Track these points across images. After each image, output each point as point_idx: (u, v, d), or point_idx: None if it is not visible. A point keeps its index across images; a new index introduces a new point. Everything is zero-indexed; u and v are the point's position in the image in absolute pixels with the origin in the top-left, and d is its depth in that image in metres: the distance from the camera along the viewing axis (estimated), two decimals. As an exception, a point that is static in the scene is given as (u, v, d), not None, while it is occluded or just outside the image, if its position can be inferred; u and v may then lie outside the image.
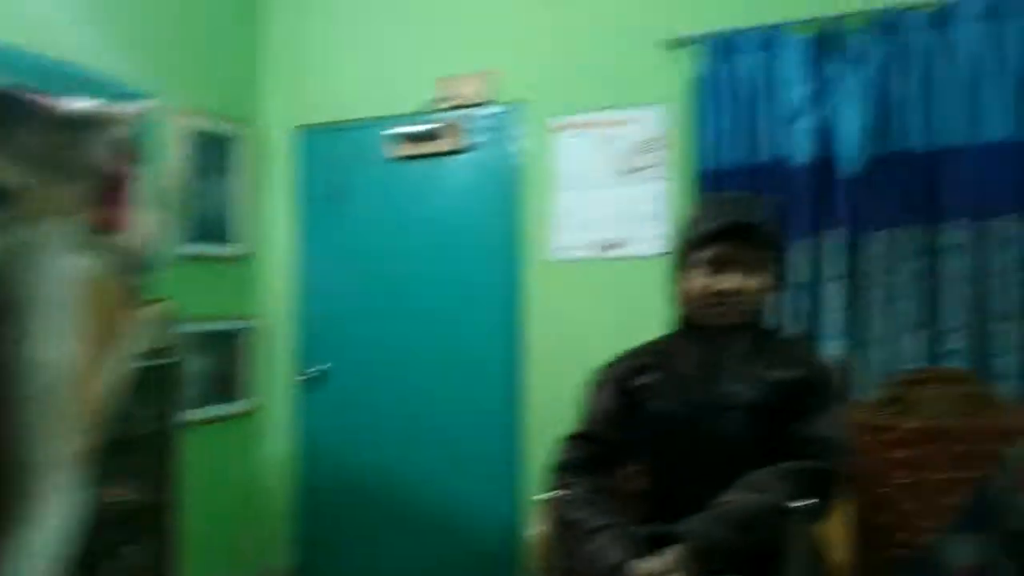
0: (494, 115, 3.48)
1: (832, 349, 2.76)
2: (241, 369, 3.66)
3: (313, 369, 3.69)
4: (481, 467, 3.43)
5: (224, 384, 3.58)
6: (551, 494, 1.73)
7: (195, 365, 3.43)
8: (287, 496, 3.74)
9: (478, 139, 3.50)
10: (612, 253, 3.25)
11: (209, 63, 3.57)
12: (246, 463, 3.73)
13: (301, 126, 3.78)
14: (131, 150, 2.75)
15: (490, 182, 3.48)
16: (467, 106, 3.48)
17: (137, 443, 2.82)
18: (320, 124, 3.74)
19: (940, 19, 2.76)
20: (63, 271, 0.39)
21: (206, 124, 3.48)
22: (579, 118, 3.31)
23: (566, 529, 1.67)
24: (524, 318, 3.38)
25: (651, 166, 3.21)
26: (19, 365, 0.37)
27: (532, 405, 3.34)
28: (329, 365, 3.69)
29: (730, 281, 1.68)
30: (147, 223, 2.96)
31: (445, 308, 3.51)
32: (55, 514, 0.39)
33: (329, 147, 3.71)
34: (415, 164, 3.57)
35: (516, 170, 3.43)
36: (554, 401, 2.99)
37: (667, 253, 1.80)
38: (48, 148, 0.38)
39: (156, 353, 2.80)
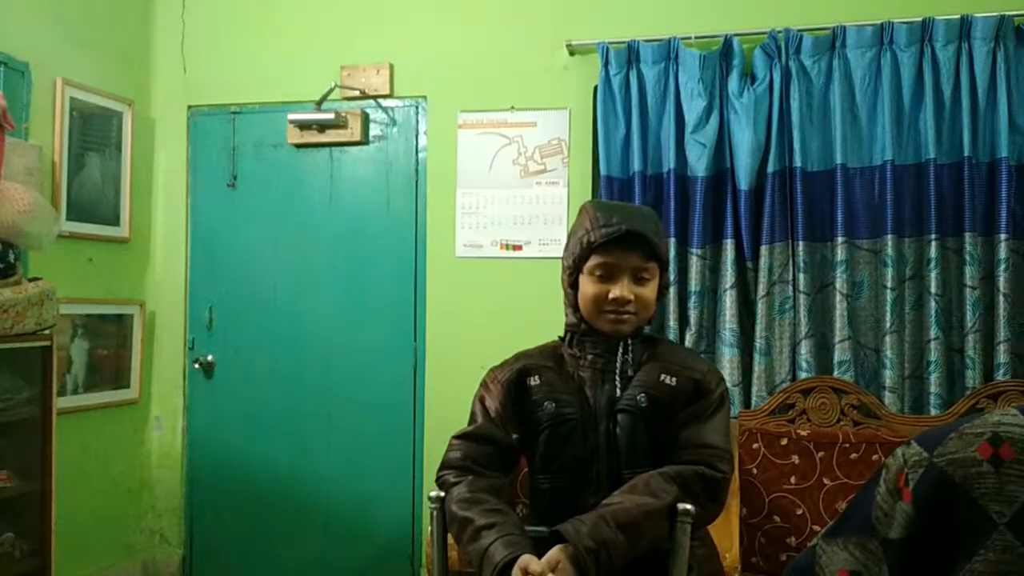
0: (398, 108, 3.45)
1: (726, 357, 2.86)
2: (128, 356, 3.49)
3: (203, 358, 3.56)
4: (379, 464, 3.41)
5: (111, 370, 3.42)
6: (438, 493, 1.72)
7: (79, 349, 3.26)
8: (176, 488, 3.61)
9: (381, 131, 3.46)
10: (512, 253, 3.27)
11: (98, 34, 3.38)
12: (134, 452, 3.58)
13: (195, 106, 3.63)
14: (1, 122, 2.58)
15: (392, 175, 3.44)
16: (370, 97, 3.43)
17: (13, 428, 2.67)
18: (215, 106, 3.60)
19: (831, 43, 2.90)
20: None
21: (92, 98, 3.30)
22: (483, 117, 3.31)
23: (454, 527, 1.66)
24: (424, 315, 3.36)
25: (552, 169, 3.25)
26: None
27: (431, 402, 3.34)
28: (220, 355, 3.57)
29: (621, 289, 1.71)
30: (20, 197, 2.78)
31: (344, 301, 3.47)
32: None
33: (224, 130, 3.59)
34: (315, 153, 3.50)
35: (419, 165, 3.41)
36: (453, 399, 2.99)
37: (561, 257, 1.82)
38: None
39: (33, 334, 2.64)
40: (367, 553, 3.42)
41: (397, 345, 3.40)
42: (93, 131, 3.33)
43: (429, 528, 1.72)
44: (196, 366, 3.59)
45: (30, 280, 2.71)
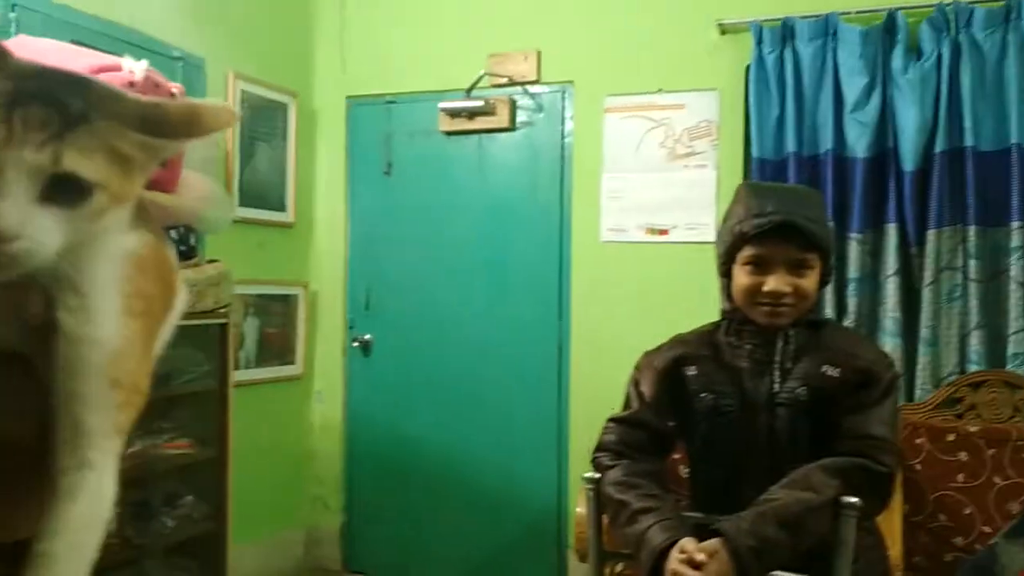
0: (544, 94, 3.48)
1: (888, 347, 2.75)
2: (294, 334, 3.72)
3: (361, 337, 3.75)
4: (527, 443, 3.49)
5: (278, 347, 3.66)
6: (593, 474, 1.74)
7: (251, 327, 3.51)
8: (336, 460, 3.83)
9: (528, 117, 3.51)
10: (658, 238, 3.25)
11: (264, 31, 3.59)
12: (298, 425, 3.82)
13: (352, 97, 3.80)
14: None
15: (539, 161, 3.49)
16: (518, 83, 3.48)
17: (193, 399, 2.90)
18: (371, 96, 3.75)
19: (1005, 16, 2.71)
20: (117, 251, 0.42)
21: (260, 91, 3.52)
22: (630, 100, 3.30)
23: (609, 509, 1.68)
24: (569, 297, 3.40)
25: (701, 152, 3.19)
26: (76, 342, 0.41)
27: (577, 384, 3.38)
28: (377, 333, 3.75)
29: (776, 282, 1.64)
30: (200, 185, 3.01)
31: (491, 283, 3.56)
32: (107, 483, 0.42)
33: (380, 119, 3.73)
34: (465, 139, 3.59)
35: (565, 150, 3.44)
36: (599, 381, 3.03)
37: (715, 243, 1.78)
38: (123, 142, 0.40)
39: (211, 313, 2.86)
40: (514, 531, 3.51)
41: (542, 327, 3.46)
42: (261, 122, 3.55)
43: (578, 509, 1.76)
44: (355, 344, 3.78)
45: (208, 262, 2.94)
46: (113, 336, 0.46)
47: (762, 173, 2.95)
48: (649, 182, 3.27)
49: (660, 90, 3.24)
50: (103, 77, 2.10)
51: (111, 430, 0.47)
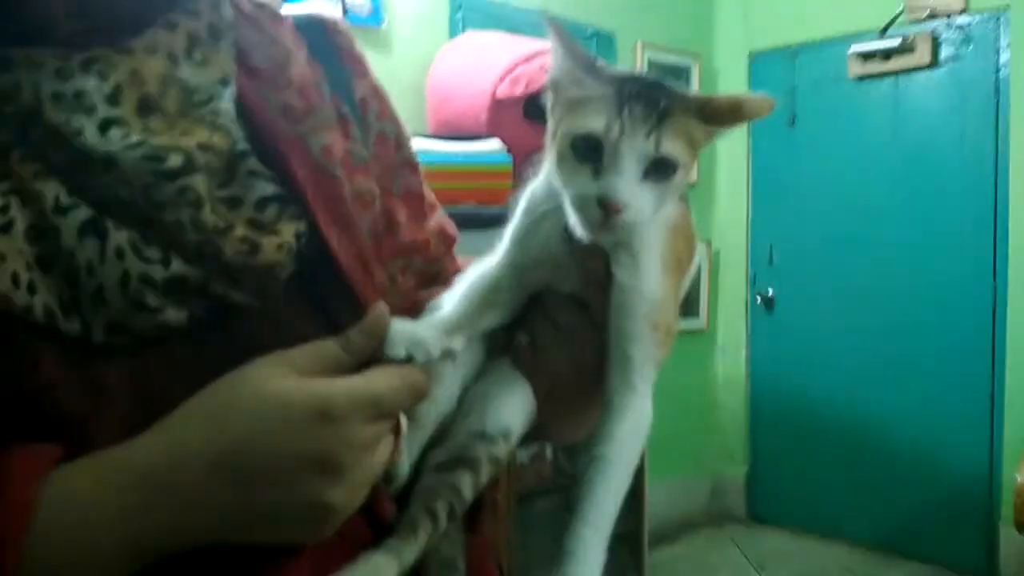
0: (973, 24, 3.13)
1: None
2: (697, 289, 3.86)
3: (764, 292, 3.77)
4: (950, 405, 3.25)
5: (683, 301, 3.82)
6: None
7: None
8: (740, 412, 3.92)
9: (953, 51, 3.19)
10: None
11: (666, -1, 3.71)
12: (703, 377, 3.97)
13: (754, 52, 3.77)
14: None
15: (968, 100, 3.17)
16: (940, 16, 3.17)
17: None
18: (774, 48, 3.69)
19: None
20: (660, 216, 0.53)
21: (664, 57, 3.65)
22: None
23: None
24: (1007, 253, 3.07)
25: None
26: (627, 291, 0.53)
27: (1015, 347, 3.05)
28: (780, 289, 3.74)
29: None
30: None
31: (910, 239, 3.33)
32: (646, 404, 0.54)
33: (783, 71, 3.65)
34: (878, 83, 3.37)
35: (1000, 84, 3.07)
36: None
37: None
38: (693, 129, 0.50)
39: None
40: (934, 496, 3.29)
41: (972, 286, 3.16)
42: (666, 86, 3.68)
43: (1019, 477, 1.62)
44: (757, 300, 3.80)
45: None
46: (654, 287, 0.59)
47: None
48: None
49: None
50: (538, 61, 2.37)
51: (650, 362, 0.60)
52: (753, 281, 3.83)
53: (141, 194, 0.49)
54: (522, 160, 2.44)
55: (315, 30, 0.66)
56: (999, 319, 3.11)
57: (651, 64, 3.58)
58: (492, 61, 2.45)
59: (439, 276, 0.69)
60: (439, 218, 0.73)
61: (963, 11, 3.13)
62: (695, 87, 3.74)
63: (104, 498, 0.44)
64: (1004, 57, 3.06)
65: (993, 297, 3.13)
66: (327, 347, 0.50)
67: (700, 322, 3.88)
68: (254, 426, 0.46)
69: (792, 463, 3.74)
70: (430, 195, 0.73)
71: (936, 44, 3.21)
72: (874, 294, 3.43)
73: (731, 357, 3.93)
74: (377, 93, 0.69)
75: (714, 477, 3.99)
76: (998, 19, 3.07)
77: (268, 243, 0.52)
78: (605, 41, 3.43)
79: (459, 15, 2.92)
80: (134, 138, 0.49)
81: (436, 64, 2.63)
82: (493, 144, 2.38)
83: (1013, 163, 3.04)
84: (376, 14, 2.62)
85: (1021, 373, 3.00)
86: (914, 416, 3.34)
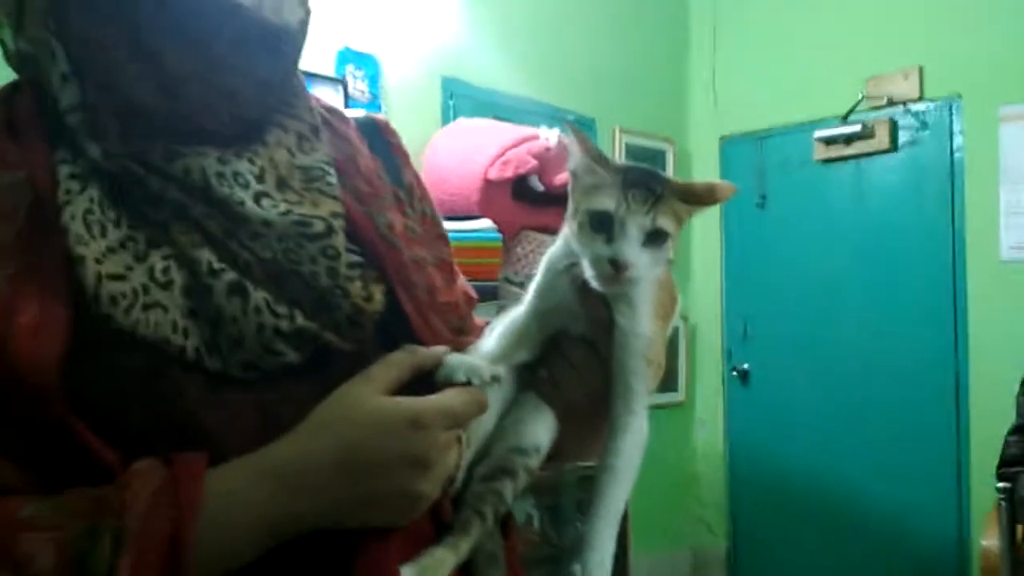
0: (928, 111, 3.37)
1: None
2: (675, 363, 3.97)
3: (739, 366, 3.90)
4: (918, 473, 3.36)
5: (662, 376, 3.92)
6: (1005, 484, 1.72)
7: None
8: (719, 485, 3.99)
9: (910, 137, 3.41)
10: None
11: (643, 87, 3.92)
12: (681, 449, 4.06)
13: (725, 136, 3.98)
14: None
15: (925, 181, 3.37)
16: (898, 103, 3.40)
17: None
18: (743, 133, 3.91)
19: None
20: (651, 274, 0.69)
21: (640, 141, 3.85)
22: (1029, 108, 3.06)
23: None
24: (966, 325, 3.22)
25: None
26: (627, 334, 0.69)
27: (978, 418, 3.18)
28: (755, 363, 3.86)
29: None
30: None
31: (876, 313, 3.49)
32: (644, 425, 0.68)
33: (752, 154, 3.87)
34: (842, 166, 3.58)
35: (954, 166, 3.29)
36: (1005, 415, 2.82)
37: None
38: (678, 208, 0.64)
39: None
40: (908, 564, 3.36)
41: (935, 356, 3.31)
42: (641, 168, 3.87)
43: (984, 542, 1.72)
44: (733, 374, 3.92)
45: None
46: (648, 331, 0.72)
47: None
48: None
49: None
50: (525, 146, 2.55)
51: (645, 391, 0.73)
52: (728, 355, 3.96)
53: (282, 253, 0.62)
54: (512, 236, 2.57)
55: (372, 128, 0.81)
56: (962, 389, 3.25)
57: (628, 148, 3.78)
58: (483, 146, 2.59)
59: (464, 328, 0.82)
60: (462, 283, 0.87)
61: (919, 99, 3.36)
62: (670, 169, 3.94)
63: (251, 492, 0.56)
64: (958, 141, 3.28)
65: (956, 367, 3.27)
66: (394, 355, 0.64)
67: (679, 395, 3.99)
68: (364, 432, 0.59)
69: (771, 536, 3.79)
70: (454, 263, 0.87)
71: (895, 129, 3.44)
72: (843, 366, 3.57)
73: (709, 430, 4.03)
74: (419, 180, 0.84)
75: (695, 550, 4.03)
76: (951, 106, 3.30)
77: (377, 292, 0.66)
78: (585, 126, 3.62)
79: (451, 102, 3.09)
80: (283, 207, 0.63)
81: (430, 148, 2.76)
82: (484, 223, 2.51)
83: (969, 240, 3.22)
84: (375, 101, 2.79)
85: (985, 442, 3.09)
86: (885, 486, 3.43)
